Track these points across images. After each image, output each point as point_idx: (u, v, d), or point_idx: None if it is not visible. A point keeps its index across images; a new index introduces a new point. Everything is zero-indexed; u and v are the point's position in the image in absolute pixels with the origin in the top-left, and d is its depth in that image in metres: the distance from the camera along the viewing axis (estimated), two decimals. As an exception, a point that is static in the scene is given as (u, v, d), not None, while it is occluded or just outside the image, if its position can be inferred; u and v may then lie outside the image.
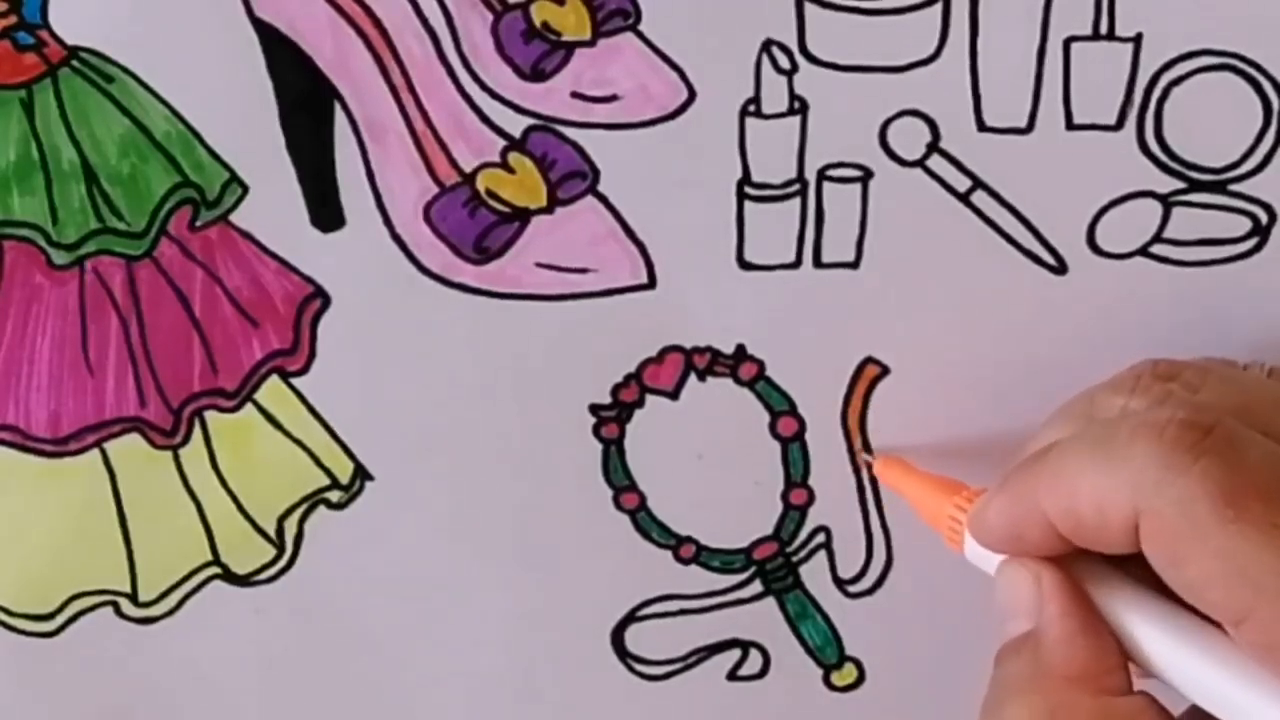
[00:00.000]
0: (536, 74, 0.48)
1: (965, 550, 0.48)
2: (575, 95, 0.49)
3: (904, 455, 0.52)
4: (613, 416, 0.52)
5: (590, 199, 0.50)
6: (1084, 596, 0.45)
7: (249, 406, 0.52)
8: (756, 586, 0.54)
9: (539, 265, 0.50)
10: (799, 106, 0.49)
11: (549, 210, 0.50)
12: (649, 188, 0.50)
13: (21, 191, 0.49)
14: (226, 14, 0.47)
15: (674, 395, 0.52)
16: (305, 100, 0.48)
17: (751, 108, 0.49)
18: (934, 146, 0.49)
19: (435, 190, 0.49)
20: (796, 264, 0.51)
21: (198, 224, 0.50)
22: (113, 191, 0.49)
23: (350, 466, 0.52)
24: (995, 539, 0.46)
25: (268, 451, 0.52)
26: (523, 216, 0.50)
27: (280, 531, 0.53)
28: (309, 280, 0.50)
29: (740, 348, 0.52)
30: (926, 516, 0.50)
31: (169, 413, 0.51)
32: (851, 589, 0.54)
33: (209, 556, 0.53)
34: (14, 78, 0.48)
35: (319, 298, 0.51)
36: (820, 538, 0.54)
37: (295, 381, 0.51)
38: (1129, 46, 0.48)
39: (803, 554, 0.54)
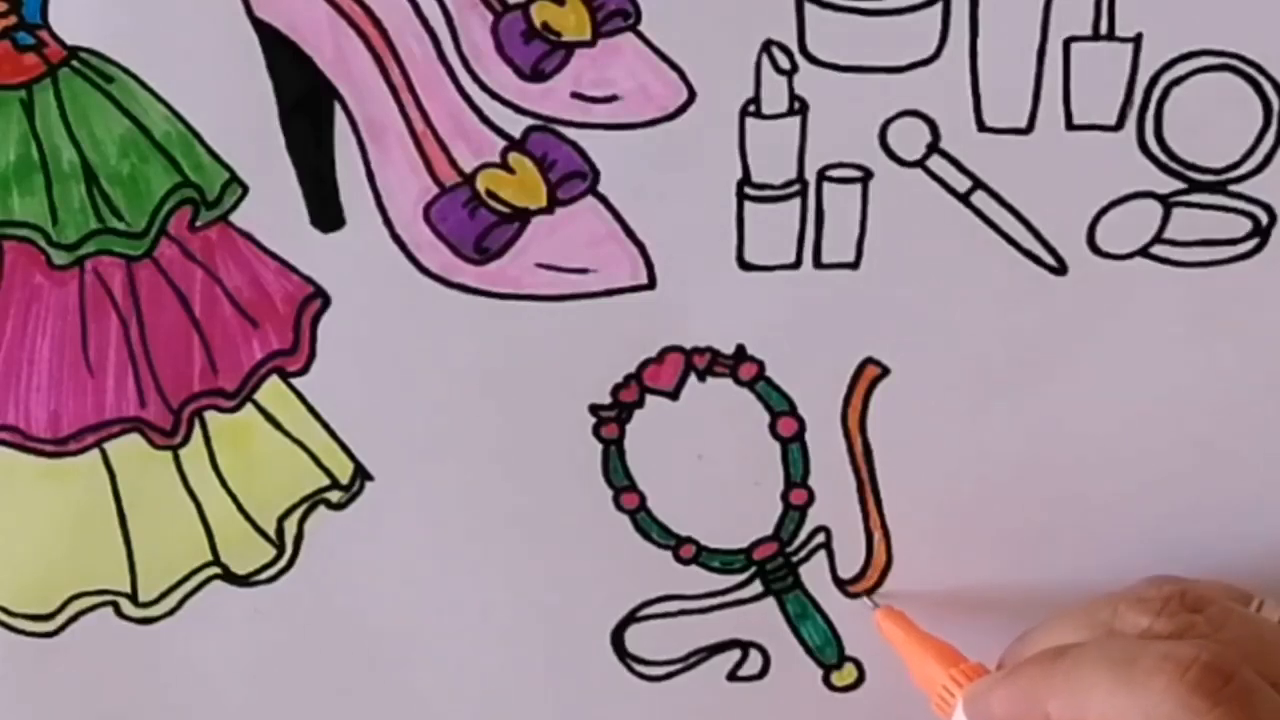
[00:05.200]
0: (536, 74, 0.48)
1: None
2: (575, 95, 0.49)
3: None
4: (613, 417, 0.52)
5: (590, 199, 0.50)
6: None
7: (249, 406, 0.52)
8: (756, 587, 0.54)
9: (539, 265, 0.50)
10: (799, 106, 0.49)
11: (549, 210, 0.50)
12: (649, 188, 0.50)
13: (21, 191, 0.49)
14: (226, 14, 0.47)
15: (674, 395, 0.52)
16: (305, 100, 0.48)
17: (751, 108, 0.49)
18: (934, 147, 0.49)
19: (435, 190, 0.49)
20: (796, 264, 0.51)
21: (198, 224, 0.50)
22: (113, 191, 0.49)
23: (350, 466, 0.52)
24: None
25: (268, 451, 0.52)
26: (523, 217, 0.50)
27: (280, 531, 0.53)
28: (309, 280, 0.50)
29: (740, 348, 0.52)
30: (918, 677, 0.51)
31: (169, 413, 0.51)
32: (851, 589, 0.54)
33: (209, 556, 0.53)
34: (14, 78, 0.48)
35: (319, 298, 0.51)
36: (820, 538, 0.54)
37: (295, 381, 0.51)
38: (1129, 46, 0.48)
39: (803, 554, 0.54)
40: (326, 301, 0.51)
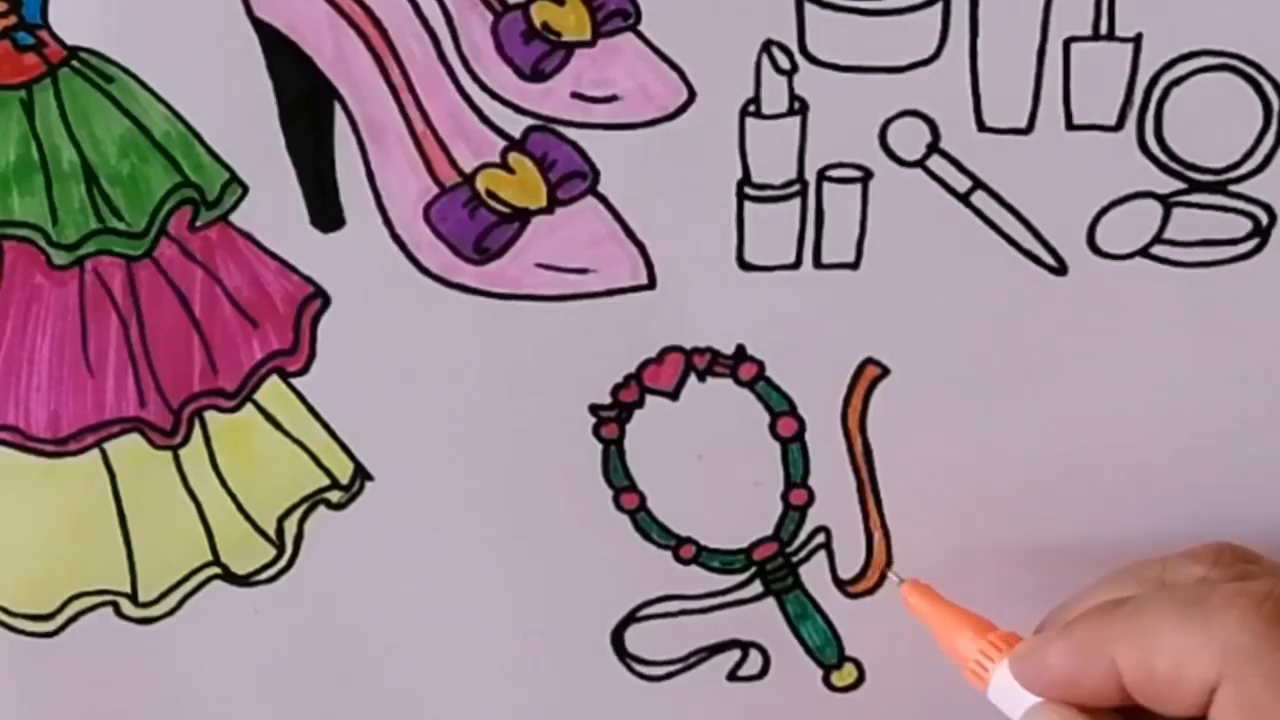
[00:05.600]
0: (536, 74, 0.48)
1: (989, 689, 0.49)
2: (575, 96, 0.49)
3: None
4: (613, 417, 0.52)
5: (590, 199, 0.50)
6: None
7: (249, 406, 0.52)
8: (756, 587, 0.54)
9: (539, 266, 0.50)
10: (799, 107, 0.49)
11: (549, 210, 0.50)
12: (649, 188, 0.50)
13: (21, 191, 0.49)
14: (226, 14, 0.47)
15: (674, 395, 0.52)
16: (305, 100, 0.48)
17: (751, 108, 0.49)
18: (934, 147, 0.49)
19: (435, 190, 0.49)
20: (796, 264, 0.51)
21: (198, 224, 0.50)
22: (113, 191, 0.49)
23: (350, 466, 0.52)
24: (1050, 679, 0.47)
25: (268, 451, 0.52)
26: (523, 217, 0.50)
27: (280, 531, 0.53)
28: (309, 280, 0.50)
29: (740, 348, 0.52)
30: (949, 650, 0.51)
31: (169, 413, 0.51)
32: (851, 589, 0.54)
33: (209, 556, 0.53)
34: (14, 78, 0.48)
35: (319, 298, 0.51)
36: (820, 538, 0.54)
37: (295, 381, 0.51)
38: (1129, 46, 0.48)
39: (803, 554, 0.54)
40: (326, 301, 0.51)
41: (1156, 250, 0.51)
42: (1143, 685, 0.45)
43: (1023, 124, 0.49)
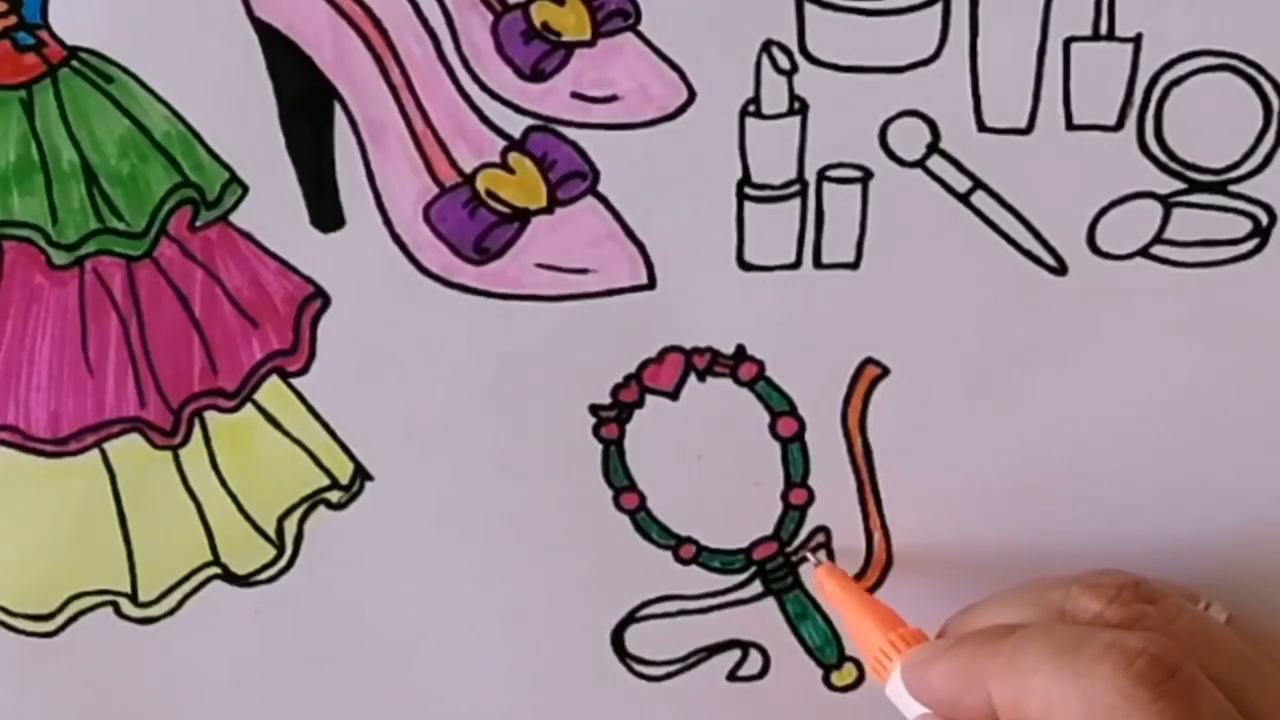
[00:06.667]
0: (536, 74, 0.48)
1: (887, 687, 0.49)
2: (575, 96, 0.49)
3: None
4: (612, 417, 0.52)
5: (590, 199, 0.50)
6: None
7: (249, 406, 0.52)
8: (756, 587, 0.54)
9: (539, 266, 0.50)
10: (799, 107, 0.49)
11: (549, 211, 0.50)
12: (649, 188, 0.50)
13: (21, 191, 0.49)
14: (226, 14, 0.47)
15: (674, 395, 0.52)
16: (305, 100, 0.48)
17: (751, 108, 0.49)
18: (934, 147, 0.49)
19: (435, 190, 0.49)
20: (796, 264, 0.51)
21: (198, 224, 0.50)
22: (113, 191, 0.49)
23: (350, 466, 0.52)
24: (931, 698, 0.47)
25: (268, 451, 0.52)
26: (522, 217, 0.50)
27: (280, 531, 0.53)
28: (309, 280, 0.50)
29: (740, 348, 0.52)
30: (856, 639, 0.51)
31: (169, 413, 0.51)
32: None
33: (209, 556, 0.53)
34: (14, 78, 0.48)
35: (319, 298, 0.51)
36: (820, 538, 0.54)
37: (295, 381, 0.51)
38: (1129, 46, 0.48)
39: (803, 554, 0.54)
40: (326, 301, 0.51)
41: (1156, 250, 0.51)
42: None
43: (1023, 124, 0.49)
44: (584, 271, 0.50)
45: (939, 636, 0.50)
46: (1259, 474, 0.53)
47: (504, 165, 0.49)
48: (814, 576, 0.53)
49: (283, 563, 0.53)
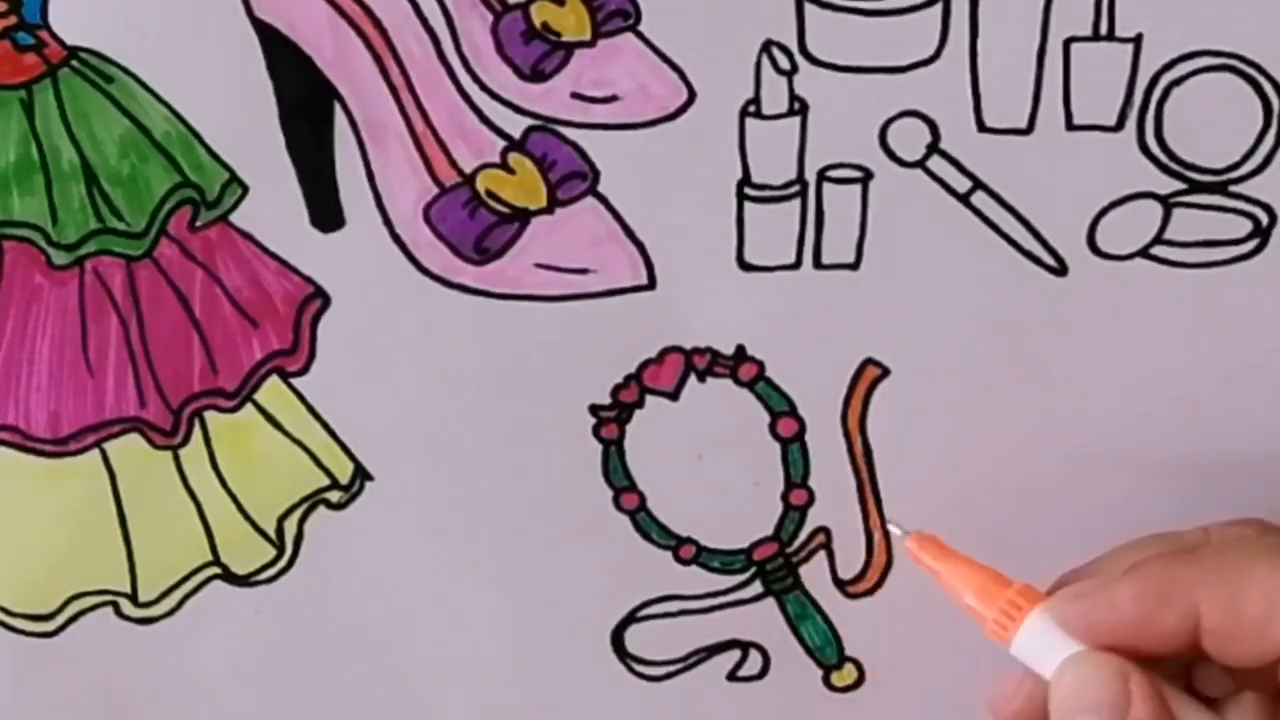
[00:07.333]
0: (536, 74, 0.48)
1: (1014, 644, 0.47)
2: (575, 96, 0.49)
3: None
4: (613, 417, 0.52)
5: (590, 199, 0.50)
6: (1167, 702, 0.45)
7: (249, 406, 0.52)
8: (756, 587, 0.54)
9: (539, 266, 0.50)
10: (799, 107, 0.49)
11: (549, 211, 0.50)
12: (649, 188, 0.50)
13: (21, 191, 0.49)
14: (226, 14, 0.47)
15: (674, 396, 0.52)
16: (305, 100, 0.48)
17: (751, 108, 0.49)
18: (934, 147, 0.49)
19: (435, 190, 0.49)
20: (796, 265, 0.51)
21: (198, 224, 0.50)
22: (113, 191, 0.49)
23: (350, 466, 0.52)
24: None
25: (268, 451, 0.52)
26: (523, 217, 0.50)
27: (280, 531, 0.53)
28: (309, 280, 0.50)
29: (740, 348, 0.52)
30: (969, 602, 0.49)
31: (169, 413, 0.51)
32: (851, 589, 0.54)
33: (209, 556, 0.53)
34: (14, 78, 0.48)
35: (319, 298, 0.51)
36: (820, 538, 0.54)
37: (295, 381, 0.51)
38: (1129, 47, 0.48)
39: (803, 554, 0.54)
40: (326, 301, 0.51)
41: (1157, 250, 0.51)
42: (1225, 629, 0.44)
43: (1023, 124, 0.49)
44: (584, 272, 0.50)
45: (1051, 591, 0.49)
46: (1259, 472, 0.53)
47: (504, 165, 0.49)
48: (906, 546, 0.51)
49: (283, 563, 0.53)
